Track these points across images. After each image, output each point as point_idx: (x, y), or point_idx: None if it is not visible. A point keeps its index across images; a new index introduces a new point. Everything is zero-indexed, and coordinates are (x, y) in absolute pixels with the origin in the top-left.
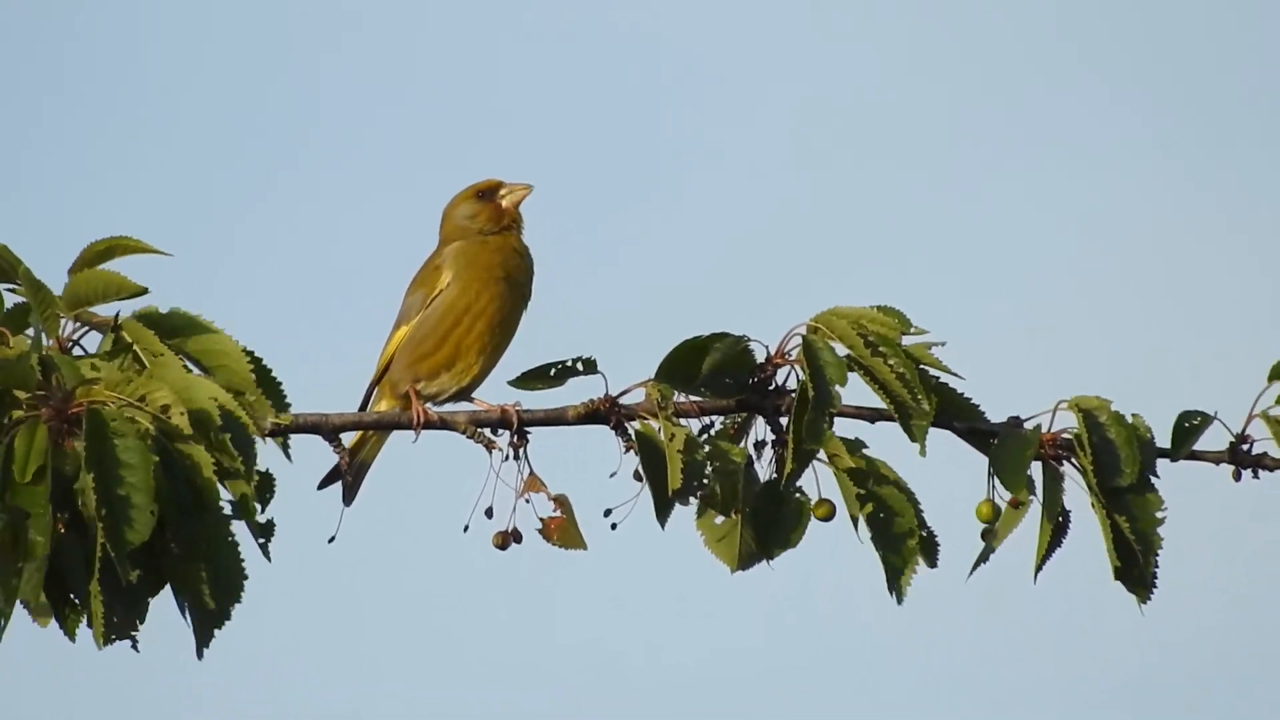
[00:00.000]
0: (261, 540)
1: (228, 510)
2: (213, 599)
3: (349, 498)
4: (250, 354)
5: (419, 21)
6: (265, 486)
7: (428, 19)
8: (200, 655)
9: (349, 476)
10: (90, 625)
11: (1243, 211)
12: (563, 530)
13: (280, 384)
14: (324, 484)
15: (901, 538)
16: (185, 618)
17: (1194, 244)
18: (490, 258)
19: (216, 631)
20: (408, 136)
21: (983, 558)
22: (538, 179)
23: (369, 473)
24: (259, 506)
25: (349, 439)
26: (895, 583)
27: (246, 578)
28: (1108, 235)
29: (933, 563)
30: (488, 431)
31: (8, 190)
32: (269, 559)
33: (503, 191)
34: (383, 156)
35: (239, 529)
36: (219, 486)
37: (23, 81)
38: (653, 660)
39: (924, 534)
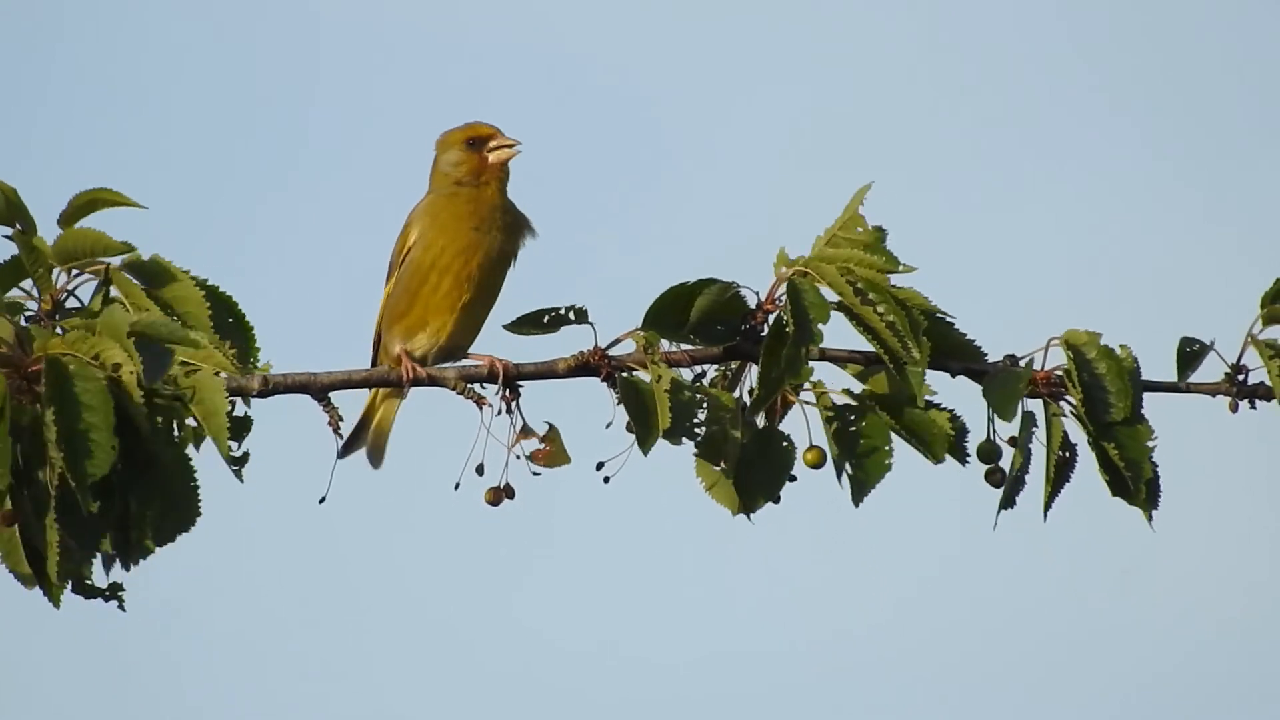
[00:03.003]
0: (235, 468)
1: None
2: (163, 531)
3: (376, 461)
4: (225, 297)
5: (423, 20)
6: (241, 426)
7: (432, 18)
8: (127, 568)
9: (340, 435)
10: (45, 564)
11: (1231, 185)
12: (550, 456)
13: (251, 327)
14: (344, 453)
15: (869, 453)
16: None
17: (1183, 224)
18: (460, 211)
19: (158, 549)
20: (405, 128)
21: (1005, 504)
22: (537, 158)
23: (390, 432)
24: (233, 445)
25: (362, 406)
26: (859, 495)
27: (200, 514)
28: (1100, 215)
29: (962, 459)
30: (478, 387)
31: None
32: (241, 480)
33: (492, 144)
34: (379, 150)
35: (204, 474)
36: (147, 413)
37: (22, 74)
38: (649, 627)
39: (950, 429)
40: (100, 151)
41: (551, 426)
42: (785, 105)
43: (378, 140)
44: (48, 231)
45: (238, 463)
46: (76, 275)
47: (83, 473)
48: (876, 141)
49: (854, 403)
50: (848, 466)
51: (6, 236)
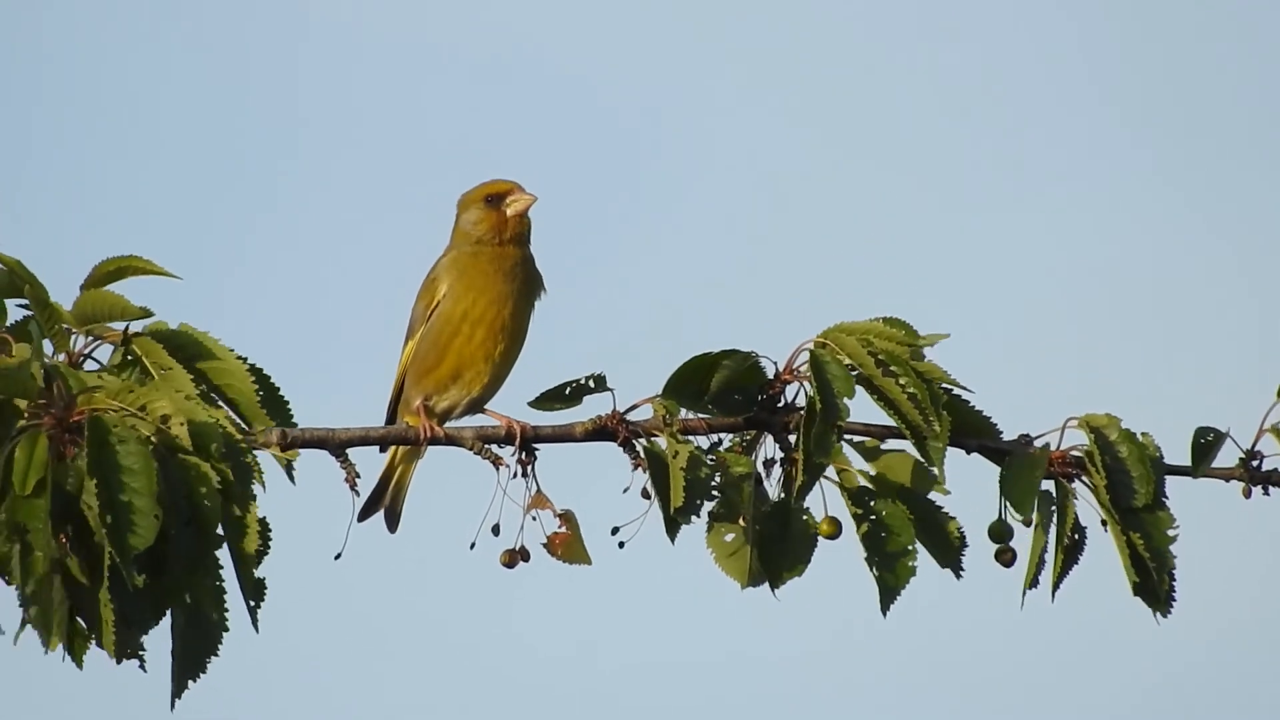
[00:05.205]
0: (251, 603)
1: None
2: (214, 611)
3: (393, 525)
4: (257, 371)
5: (427, 29)
6: (262, 538)
7: (436, 25)
8: (173, 706)
9: (356, 492)
10: (99, 638)
11: (1248, 231)
12: (568, 545)
13: (288, 403)
14: (364, 516)
15: (896, 556)
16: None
17: (1199, 266)
18: (487, 264)
19: (192, 683)
20: (412, 148)
21: (1029, 584)
22: (545, 193)
23: (407, 494)
24: (257, 559)
25: (381, 465)
26: (888, 601)
27: (227, 616)
28: (1112, 255)
29: (958, 573)
30: (495, 448)
31: (17, 209)
32: (256, 628)
33: (509, 199)
34: (386, 169)
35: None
36: (220, 504)
37: (26, 93)
38: (660, 677)
39: (958, 535)
40: (83, 178)
41: (569, 512)
42: (783, 112)
43: (371, 160)
44: (63, 297)
45: (257, 594)
46: (93, 341)
47: (126, 546)
48: (884, 159)
49: (872, 486)
50: (875, 569)
51: (20, 306)
